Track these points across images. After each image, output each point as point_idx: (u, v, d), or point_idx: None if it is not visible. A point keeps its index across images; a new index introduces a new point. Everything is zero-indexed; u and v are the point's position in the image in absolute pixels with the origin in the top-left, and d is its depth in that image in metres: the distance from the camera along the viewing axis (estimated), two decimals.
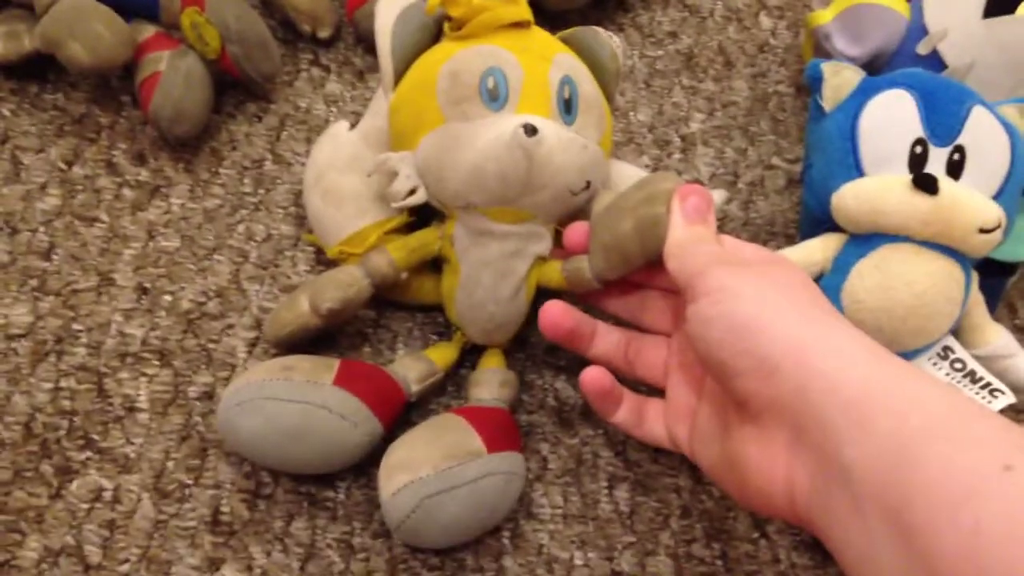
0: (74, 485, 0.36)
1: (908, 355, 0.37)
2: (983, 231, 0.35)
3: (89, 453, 0.36)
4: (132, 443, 0.37)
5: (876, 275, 0.36)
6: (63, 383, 0.38)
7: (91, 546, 0.34)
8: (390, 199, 0.36)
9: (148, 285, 0.40)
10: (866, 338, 0.26)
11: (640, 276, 0.35)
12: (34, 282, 0.40)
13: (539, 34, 0.37)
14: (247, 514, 0.36)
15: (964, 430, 0.22)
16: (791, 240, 0.45)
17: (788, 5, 0.56)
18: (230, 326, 0.40)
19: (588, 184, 0.36)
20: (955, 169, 0.36)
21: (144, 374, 0.38)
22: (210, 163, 0.44)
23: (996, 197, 0.36)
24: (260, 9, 0.49)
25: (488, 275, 0.36)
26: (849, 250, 0.37)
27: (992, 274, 0.39)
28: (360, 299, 0.36)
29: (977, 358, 0.38)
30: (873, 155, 0.36)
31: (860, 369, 0.25)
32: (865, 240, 0.36)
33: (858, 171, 0.37)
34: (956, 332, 0.38)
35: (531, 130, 0.32)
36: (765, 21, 0.55)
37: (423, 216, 0.38)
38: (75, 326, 0.39)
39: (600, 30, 0.39)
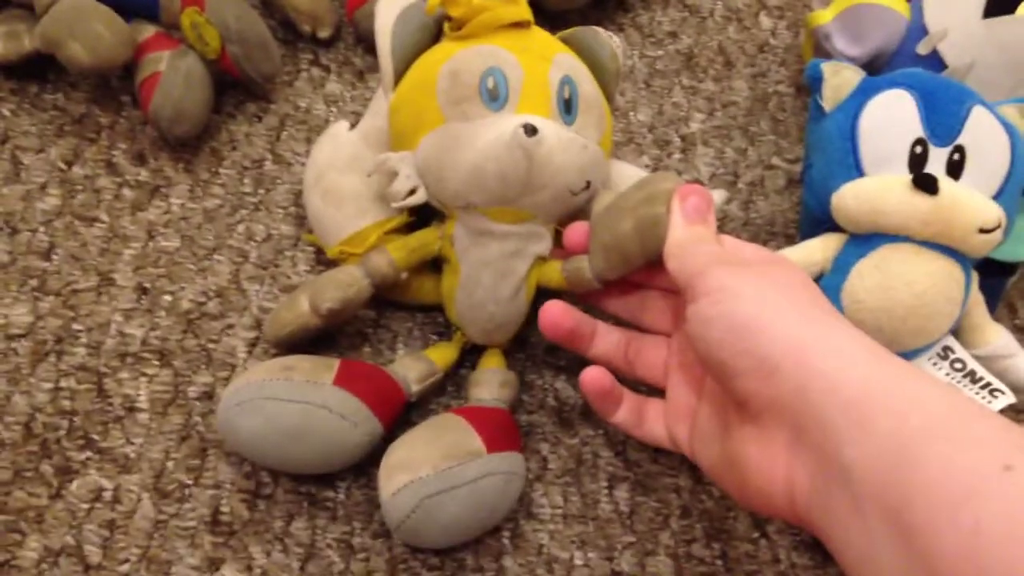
0: (74, 485, 0.36)
1: (908, 355, 0.37)
2: (983, 231, 0.35)
3: (89, 453, 0.36)
4: (132, 443, 0.37)
5: (876, 275, 0.36)
6: (63, 383, 0.38)
7: (91, 546, 0.34)
8: (390, 199, 0.36)
9: (148, 285, 0.40)
10: (866, 338, 0.26)
11: (640, 276, 0.35)
12: (34, 282, 0.40)
13: (539, 34, 0.37)
14: (247, 514, 0.36)
15: (964, 430, 0.22)
16: (791, 240, 0.45)
17: (788, 5, 0.56)
18: (230, 326, 0.40)
19: (588, 184, 0.36)
20: (955, 169, 0.36)
21: (144, 374, 0.38)
22: (210, 163, 0.44)
23: (996, 197, 0.36)
24: (260, 9, 0.49)
25: (488, 275, 0.36)
26: (849, 250, 0.37)
27: (992, 274, 0.39)
28: (360, 299, 0.36)
29: (977, 358, 0.38)
30: (873, 155, 0.36)
31: (860, 369, 0.25)
32: (865, 240, 0.36)
33: (858, 171, 0.37)
34: (956, 332, 0.38)
35: (531, 130, 0.32)
36: (765, 21, 0.55)
37: (423, 216, 0.38)
38: (75, 326, 0.39)
39: (600, 30, 0.39)
